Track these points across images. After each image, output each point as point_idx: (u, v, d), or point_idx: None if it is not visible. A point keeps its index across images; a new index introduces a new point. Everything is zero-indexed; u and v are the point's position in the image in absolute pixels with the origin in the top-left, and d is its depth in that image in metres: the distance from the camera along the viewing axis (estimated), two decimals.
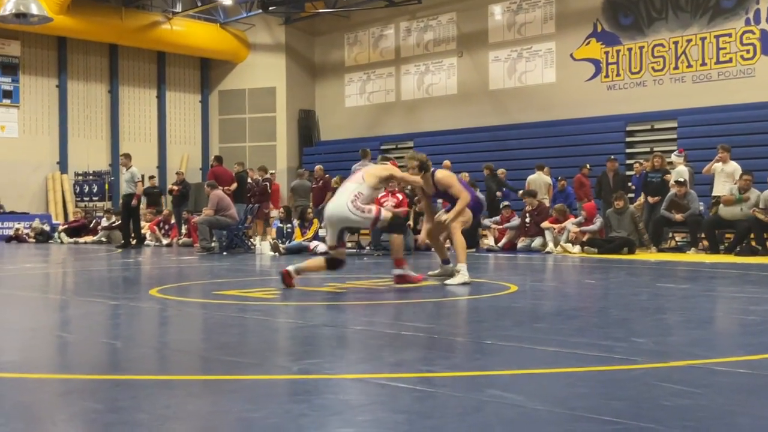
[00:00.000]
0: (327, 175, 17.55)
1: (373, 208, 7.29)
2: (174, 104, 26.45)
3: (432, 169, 7.89)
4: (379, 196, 13.81)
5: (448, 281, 7.49)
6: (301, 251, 13.55)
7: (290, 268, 7.25)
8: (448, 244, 8.21)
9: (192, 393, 3.19)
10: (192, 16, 24.89)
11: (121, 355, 4.13)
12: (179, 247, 16.82)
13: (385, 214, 7.41)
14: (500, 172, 17.40)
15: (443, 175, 7.87)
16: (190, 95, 26.79)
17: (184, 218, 18.15)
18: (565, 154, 19.02)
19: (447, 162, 16.40)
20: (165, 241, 17.84)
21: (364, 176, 7.44)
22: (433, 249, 8.48)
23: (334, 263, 7.35)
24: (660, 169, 14.25)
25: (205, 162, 26.04)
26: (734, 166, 13.23)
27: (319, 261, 7.50)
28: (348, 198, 7.22)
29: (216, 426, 2.68)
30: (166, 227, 18.32)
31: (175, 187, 19.26)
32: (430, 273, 8.01)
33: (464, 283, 7.34)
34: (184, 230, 18.00)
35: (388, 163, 8.07)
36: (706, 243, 13.00)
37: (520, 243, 14.31)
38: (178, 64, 26.35)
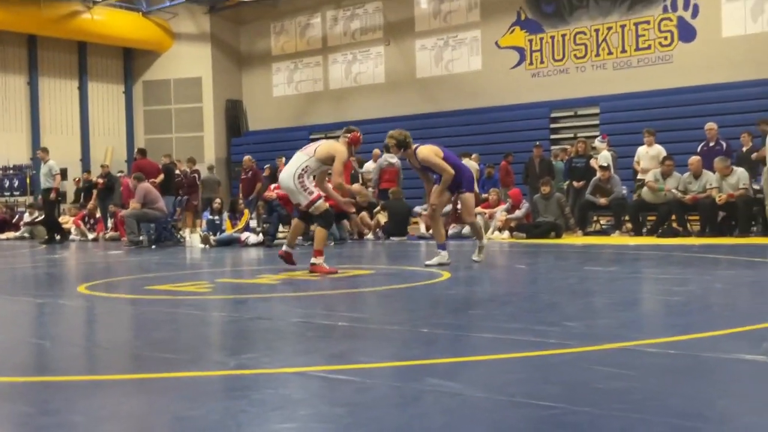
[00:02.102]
0: (256, 166, 17.42)
1: (315, 192, 7.61)
2: (96, 95, 25.81)
3: (415, 145, 7.96)
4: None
5: (428, 261, 7.86)
6: (232, 243, 13.41)
7: (284, 248, 7.85)
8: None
9: (127, 392, 3.13)
10: (113, 5, 24.29)
11: (50, 355, 4.02)
12: (106, 242, 16.45)
13: (321, 203, 7.63)
14: None
15: (424, 153, 7.88)
16: (113, 86, 26.18)
17: (110, 212, 17.77)
18: (492, 141, 19.26)
19: (376, 150, 16.42)
20: (91, 236, 17.43)
21: (316, 149, 7.71)
22: (431, 232, 8.59)
23: (306, 216, 7.85)
24: (584, 155, 14.56)
25: (130, 154, 25.49)
26: (658, 149, 13.67)
27: (318, 232, 7.73)
28: (296, 170, 7.60)
29: (154, 426, 2.64)
30: (92, 221, 17.90)
31: (100, 180, 18.82)
32: (426, 263, 8.02)
33: (441, 264, 7.75)
34: (110, 224, 17.63)
35: (350, 136, 7.92)
36: (629, 226, 13.35)
37: (451, 230, 14.43)
38: (100, 55, 25.70)
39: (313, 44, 24.24)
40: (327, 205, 7.78)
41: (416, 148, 7.93)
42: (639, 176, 13.70)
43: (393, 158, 14.78)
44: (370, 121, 22.37)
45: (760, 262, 8.04)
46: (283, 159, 17.58)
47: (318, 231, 7.69)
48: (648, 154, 13.67)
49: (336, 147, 7.78)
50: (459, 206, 14.28)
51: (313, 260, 7.53)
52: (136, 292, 6.87)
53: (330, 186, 8.26)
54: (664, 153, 13.51)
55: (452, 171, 7.81)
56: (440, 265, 7.83)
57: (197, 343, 4.22)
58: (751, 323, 4.31)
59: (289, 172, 7.68)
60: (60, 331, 4.93)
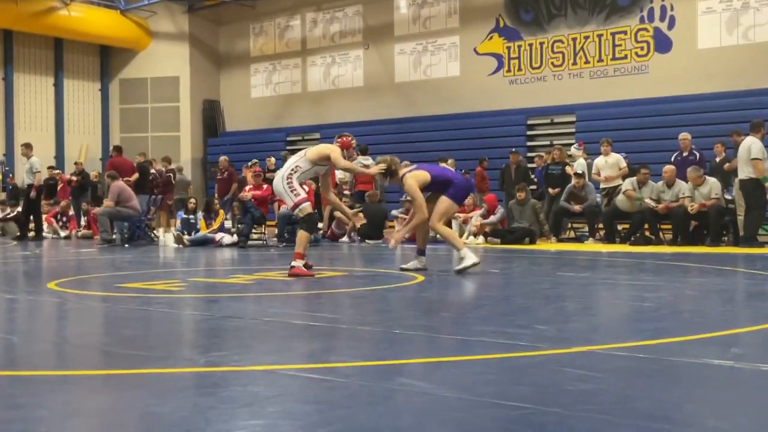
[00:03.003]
0: (232, 167, 17.34)
1: (302, 194, 7.58)
2: (72, 92, 25.58)
3: (405, 171, 7.84)
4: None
5: (457, 267, 7.55)
6: (206, 243, 13.34)
7: (293, 263, 7.44)
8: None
9: (94, 388, 3.11)
10: (91, 2, 24.11)
11: (18, 350, 3.98)
12: (78, 240, 16.30)
13: (306, 206, 7.62)
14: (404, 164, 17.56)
15: (408, 184, 7.72)
16: (89, 83, 25.97)
17: (84, 210, 17.61)
18: (469, 146, 19.32)
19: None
20: (63, 234, 17.26)
21: (307, 151, 7.75)
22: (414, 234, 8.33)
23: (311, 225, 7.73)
24: (560, 162, 14.64)
25: (105, 152, 25.29)
26: (616, 157, 13.83)
27: (300, 236, 7.63)
28: (285, 171, 7.63)
29: (120, 421, 2.62)
30: (64, 219, 17.73)
31: (74, 178, 18.65)
32: (402, 266, 7.94)
33: (474, 264, 7.50)
34: (83, 222, 17.48)
35: (342, 139, 7.94)
36: (603, 233, 13.43)
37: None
38: (77, 51, 25.49)
39: (292, 46, 24.20)
40: (311, 208, 7.77)
41: (403, 176, 7.77)
42: (602, 185, 13.83)
43: (368, 160, 14.77)
44: (348, 124, 22.36)
45: (729, 271, 8.13)
46: (273, 159, 17.54)
47: (300, 234, 7.62)
48: (607, 163, 13.82)
49: (328, 146, 7.87)
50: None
51: (292, 263, 7.43)
52: (107, 289, 6.81)
53: (334, 197, 8.33)
54: (621, 160, 13.68)
55: (425, 214, 7.69)
56: (416, 270, 7.79)
57: (168, 340, 4.19)
58: (719, 329, 4.36)
59: (279, 174, 7.75)
60: (28, 327, 4.87)
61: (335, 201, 8.61)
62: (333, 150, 7.77)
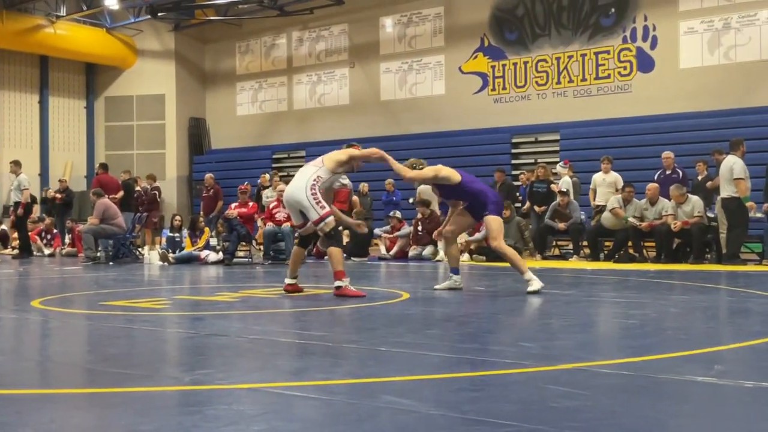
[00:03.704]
0: (217, 185, 17.32)
1: (327, 207, 7.17)
2: (57, 110, 25.48)
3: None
4: (271, 206, 13.72)
5: (528, 289, 7.28)
6: (192, 261, 13.30)
7: (286, 280, 7.40)
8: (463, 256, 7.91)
9: (78, 406, 3.09)
10: (77, 20, 24.07)
11: (1, 368, 3.95)
12: (62, 257, 16.21)
13: (331, 220, 7.18)
14: (388, 182, 17.70)
15: (425, 169, 7.60)
16: (74, 101, 25.88)
17: (68, 227, 17.53)
18: (454, 164, 18.90)
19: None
20: (47, 251, 17.17)
21: (323, 160, 7.35)
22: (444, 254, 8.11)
23: (305, 241, 7.53)
24: (544, 180, 14.72)
25: (90, 170, 25.18)
26: (615, 176, 13.90)
27: (295, 252, 7.56)
28: (307, 182, 7.13)
29: None
30: (48, 237, 17.63)
31: (58, 195, 18.58)
32: (436, 287, 7.79)
33: (452, 288, 7.54)
34: (67, 240, 17.39)
35: (351, 149, 7.64)
36: (587, 251, 13.50)
37: (411, 251, 14.49)
38: (63, 69, 25.42)
39: (278, 64, 24.25)
40: (335, 223, 7.29)
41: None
42: (597, 202, 13.90)
43: (345, 179, 14.80)
44: (334, 142, 22.27)
45: (713, 288, 8.18)
46: (267, 176, 17.51)
47: (333, 252, 7.17)
48: (605, 181, 13.91)
49: (343, 150, 7.57)
50: (420, 228, 14.39)
51: (338, 283, 7.07)
52: (91, 307, 6.77)
53: (337, 209, 7.91)
54: (620, 180, 13.75)
55: (407, 175, 7.50)
56: (450, 289, 7.62)
57: (152, 358, 4.17)
58: (703, 346, 4.39)
59: (298, 185, 7.18)
60: (12, 345, 4.84)
61: (337, 213, 7.92)
62: (349, 151, 7.50)
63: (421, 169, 7.64)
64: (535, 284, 7.33)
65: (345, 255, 13.88)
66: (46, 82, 25.07)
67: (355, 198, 16.18)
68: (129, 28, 24.75)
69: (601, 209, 13.51)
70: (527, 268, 7.56)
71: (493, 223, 7.57)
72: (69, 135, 25.77)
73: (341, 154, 7.46)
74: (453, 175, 7.62)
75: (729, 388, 3.23)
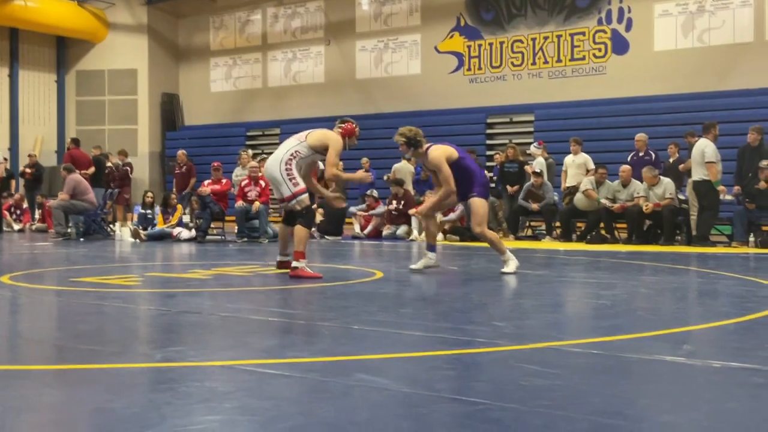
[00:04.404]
0: (190, 161, 17.17)
1: (301, 184, 6.94)
2: (27, 84, 25.10)
3: (427, 144, 7.41)
4: (243, 184, 13.61)
5: (503, 269, 7.25)
6: (164, 238, 13.21)
7: (278, 257, 7.35)
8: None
9: (47, 383, 3.06)
10: None
11: None
12: (32, 233, 16.03)
13: (305, 197, 7.01)
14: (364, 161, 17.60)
15: (435, 155, 7.30)
16: (45, 75, 25.51)
17: (38, 202, 17.33)
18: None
19: None
20: (17, 227, 16.97)
21: (307, 135, 7.08)
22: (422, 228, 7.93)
23: (290, 219, 7.17)
24: (515, 160, 14.74)
25: (60, 145, 24.88)
26: (585, 158, 13.98)
27: (281, 229, 7.46)
28: (284, 156, 6.92)
29: (73, 417, 2.58)
30: (18, 212, 17.43)
31: (28, 170, 18.34)
32: (412, 266, 7.66)
33: (427, 267, 7.47)
34: (37, 215, 17.20)
35: (344, 126, 7.28)
36: (560, 231, 13.59)
37: (386, 230, 14.50)
38: (33, 42, 25.01)
39: (253, 41, 24.04)
40: (309, 202, 7.10)
41: (428, 149, 7.40)
42: (567, 184, 13.97)
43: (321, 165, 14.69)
44: (309, 120, 22.28)
45: (682, 270, 8.27)
46: (249, 151, 17.36)
47: (299, 230, 6.92)
48: (574, 163, 13.98)
49: (330, 135, 7.14)
50: (393, 207, 14.39)
51: (294, 263, 6.85)
52: (61, 283, 6.71)
53: (315, 182, 7.63)
54: (590, 161, 13.83)
55: (453, 187, 7.25)
56: (426, 267, 7.53)
57: (123, 335, 4.14)
58: (672, 326, 4.43)
59: (276, 157, 6.96)
60: None
61: (314, 185, 7.74)
62: (334, 142, 7.05)
63: (421, 141, 7.51)
64: (511, 265, 7.33)
65: (319, 234, 14.01)
66: (16, 55, 24.67)
67: None
68: (101, 1, 24.40)
69: (571, 190, 13.58)
70: (506, 248, 7.54)
71: (480, 207, 7.44)
72: (39, 109, 25.41)
73: (325, 138, 7.09)
74: (451, 153, 7.48)
75: (697, 368, 3.27)
